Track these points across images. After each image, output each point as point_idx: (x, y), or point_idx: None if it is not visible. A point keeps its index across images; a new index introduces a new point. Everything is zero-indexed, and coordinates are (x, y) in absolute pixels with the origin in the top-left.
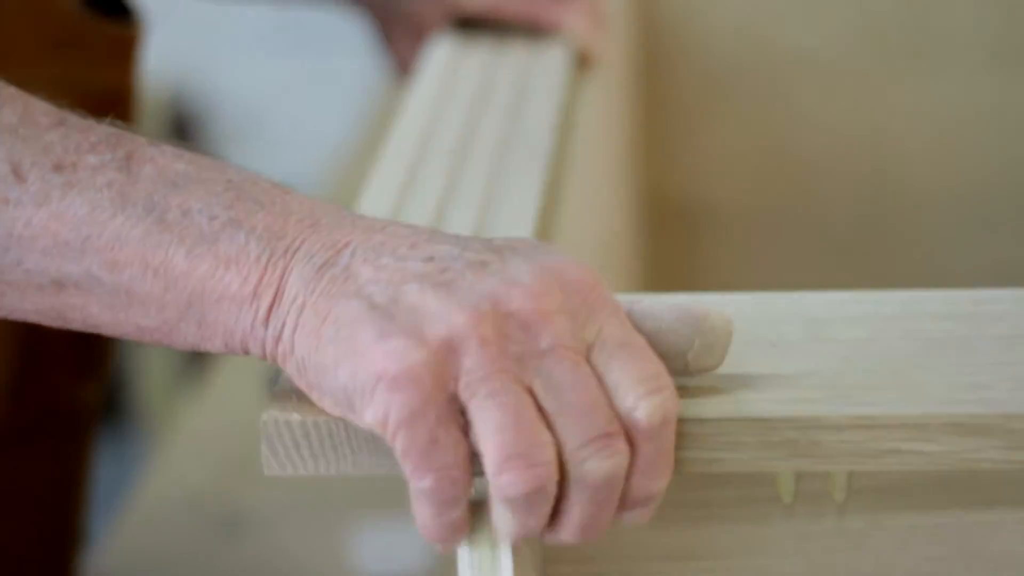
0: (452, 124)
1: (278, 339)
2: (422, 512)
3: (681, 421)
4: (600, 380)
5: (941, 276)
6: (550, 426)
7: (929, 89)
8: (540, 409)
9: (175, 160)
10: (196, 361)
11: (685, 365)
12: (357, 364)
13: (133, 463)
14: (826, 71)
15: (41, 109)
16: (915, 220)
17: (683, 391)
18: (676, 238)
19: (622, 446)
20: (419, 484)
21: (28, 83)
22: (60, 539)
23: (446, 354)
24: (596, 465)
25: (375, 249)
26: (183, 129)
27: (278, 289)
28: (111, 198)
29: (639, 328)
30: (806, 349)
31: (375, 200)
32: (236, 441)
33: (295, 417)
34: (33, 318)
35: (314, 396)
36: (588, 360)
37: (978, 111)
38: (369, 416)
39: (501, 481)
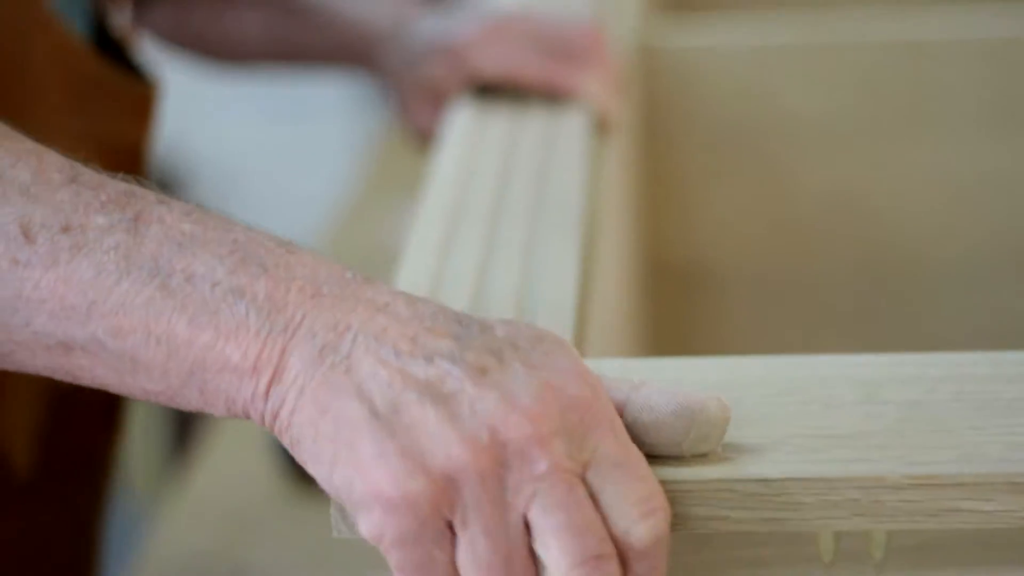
0: (483, 188)
1: (276, 415)
2: None
3: (743, 481)
4: (595, 499)
5: (940, 339)
6: (544, 546)
7: (927, 155)
8: (535, 529)
9: (182, 219)
10: (192, 421)
11: (679, 452)
12: (355, 476)
13: (132, 522)
14: (825, 138)
15: (55, 165)
16: (914, 284)
17: (741, 450)
18: (677, 300)
19: (614, 568)
20: None
21: (50, 133)
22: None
23: (444, 484)
24: None
25: (377, 337)
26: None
27: (278, 366)
28: (117, 262)
29: (636, 420)
30: (860, 410)
31: (415, 265)
32: (239, 499)
33: None
34: (45, 374)
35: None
36: (584, 478)
37: (976, 177)
38: (364, 529)
39: None
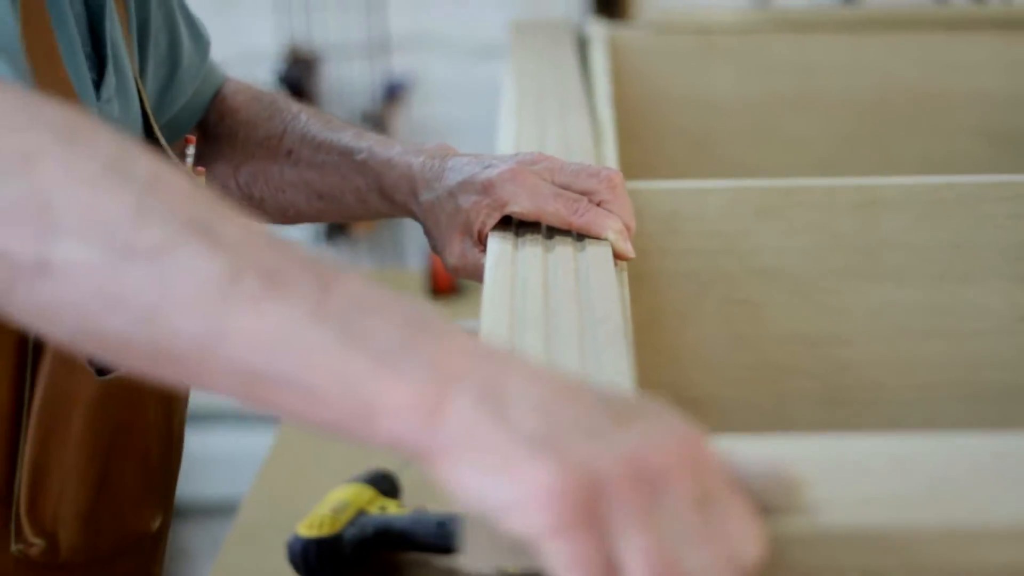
0: (532, 312)
1: (433, 446)
2: None
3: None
4: (712, 518)
5: None
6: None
7: (886, 300)
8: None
9: (365, 288)
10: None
11: (763, 507)
12: (513, 480)
13: None
14: (794, 283)
15: (262, 231)
16: (876, 412)
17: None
18: None
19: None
20: None
21: None
22: None
23: (594, 487)
24: None
25: (526, 396)
26: None
27: (440, 407)
28: (307, 312)
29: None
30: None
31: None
32: None
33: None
34: (234, 398)
35: (453, 495)
36: (703, 503)
37: (930, 318)
38: (521, 524)
39: None
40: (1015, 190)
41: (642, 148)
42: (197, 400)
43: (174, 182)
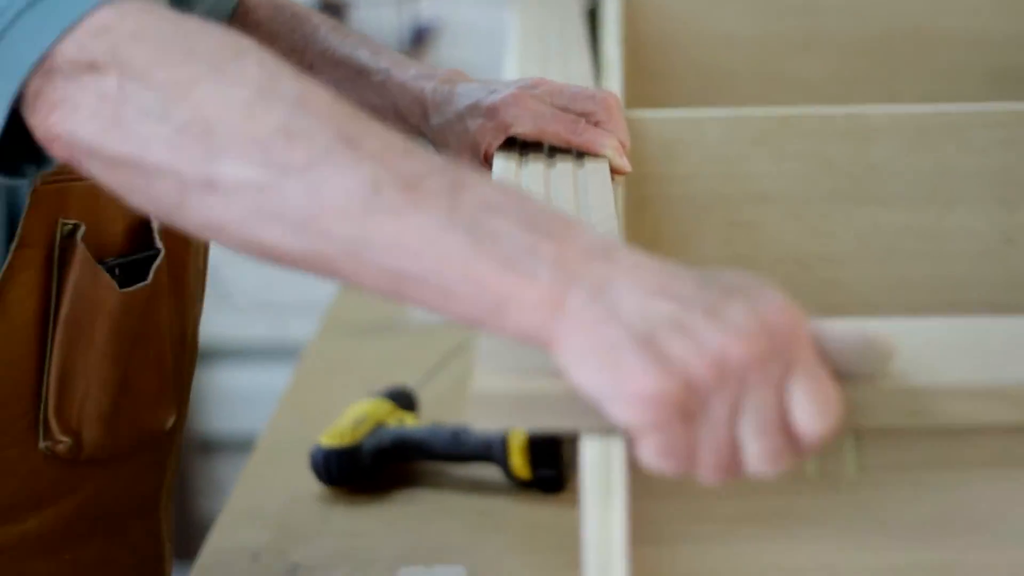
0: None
1: (555, 337)
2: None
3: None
4: (788, 398)
5: None
6: (746, 440)
7: (871, 219)
8: (742, 427)
9: (490, 190)
10: None
11: (856, 371)
12: (621, 380)
13: None
14: (788, 206)
15: (398, 141)
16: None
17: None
18: None
19: (789, 460)
20: (660, 465)
21: None
22: (150, 546)
23: (686, 387)
24: (770, 470)
25: (635, 285)
26: None
27: (560, 304)
28: (441, 219)
29: (827, 346)
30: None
31: None
32: (289, 511)
33: (498, 388)
34: (377, 293)
35: (570, 380)
36: (783, 384)
37: (918, 240)
38: (624, 417)
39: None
40: (999, 118)
41: (653, 82)
42: (224, 336)
43: (317, 99)
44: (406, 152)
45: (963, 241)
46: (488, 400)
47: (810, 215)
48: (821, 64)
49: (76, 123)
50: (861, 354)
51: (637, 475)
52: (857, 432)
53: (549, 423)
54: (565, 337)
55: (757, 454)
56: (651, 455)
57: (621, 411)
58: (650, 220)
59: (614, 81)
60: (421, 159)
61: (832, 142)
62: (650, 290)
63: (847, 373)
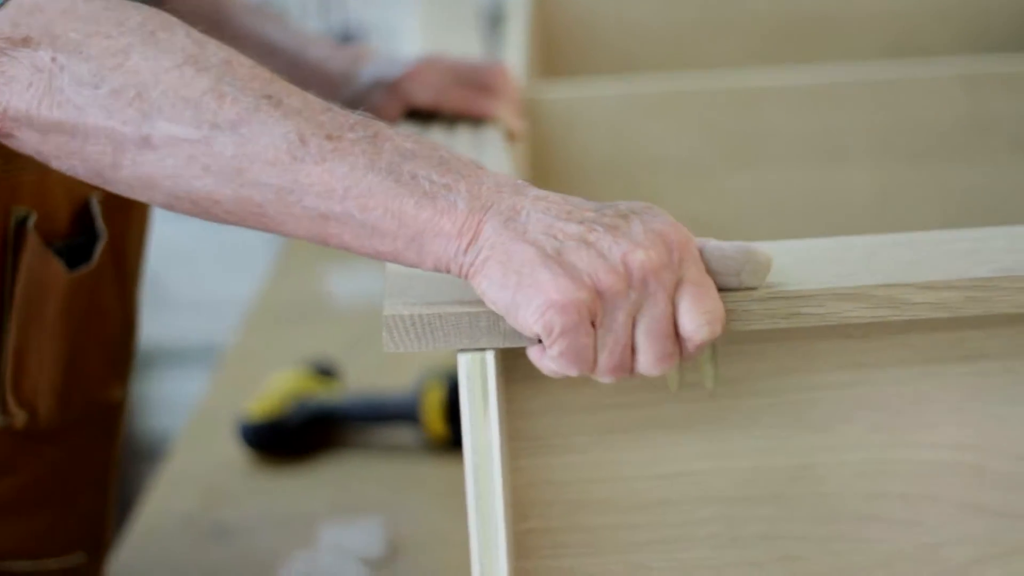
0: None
1: (472, 264)
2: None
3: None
4: (676, 307)
5: None
6: (640, 343)
7: (759, 179)
8: (637, 330)
9: (406, 140)
10: None
11: (738, 282)
12: (535, 292)
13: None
14: (683, 172)
15: (316, 100)
16: None
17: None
18: None
19: (676, 361)
20: (568, 370)
21: None
22: (97, 514)
23: (593, 295)
24: (658, 371)
25: (543, 211)
26: None
27: (476, 232)
28: (364, 163)
29: (709, 255)
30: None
31: None
32: (218, 475)
33: (406, 311)
34: (302, 239)
35: (486, 300)
36: (674, 294)
37: (801, 195)
38: (537, 326)
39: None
40: (876, 84)
41: (570, 72)
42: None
43: (241, 65)
44: (326, 108)
45: (844, 197)
46: (397, 323)
47: (704, 179)
48: (727, 47)
49: (11, 94)
50: (743, 265)
51: (512, 395)
52: (714, 346)
53: (452, 342)
54: (482, 261)
55: (648, 356)
56: (556, 359)
57: (534, 320)
58: (553, 187)
59: (518, 60)
60: (341, 114)
61: (721, 109)
62: (557, 215)
63: (730, 284)
